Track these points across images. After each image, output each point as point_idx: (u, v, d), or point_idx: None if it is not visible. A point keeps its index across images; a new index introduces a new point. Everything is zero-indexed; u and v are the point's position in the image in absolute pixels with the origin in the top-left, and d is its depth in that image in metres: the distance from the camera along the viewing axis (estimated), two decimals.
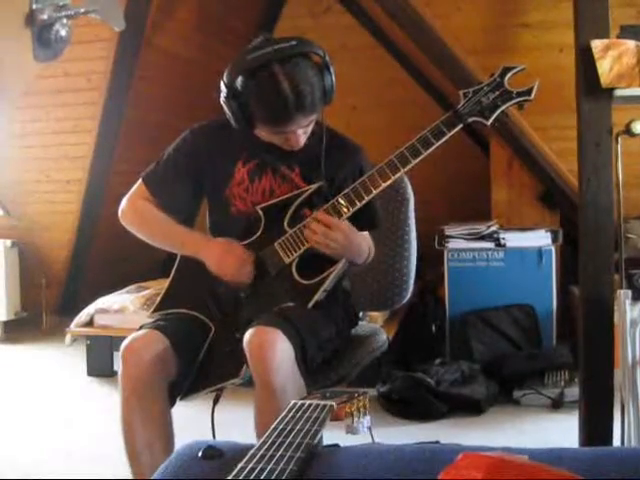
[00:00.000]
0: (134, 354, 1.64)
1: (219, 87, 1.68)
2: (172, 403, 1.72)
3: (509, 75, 1.63)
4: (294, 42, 1.63)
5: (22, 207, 5.01)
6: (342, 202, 1.67)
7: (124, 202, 1.89)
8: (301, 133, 1.70)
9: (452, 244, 3.74)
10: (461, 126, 1.63)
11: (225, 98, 1.66)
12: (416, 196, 2.13)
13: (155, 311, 1.86)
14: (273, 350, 1.53)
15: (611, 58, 2.06)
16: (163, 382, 1.68)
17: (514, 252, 3.69)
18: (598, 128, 2.12)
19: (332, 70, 1.66)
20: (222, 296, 1.78)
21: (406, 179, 2.09)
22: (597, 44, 2.08)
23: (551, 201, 4.20)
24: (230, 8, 4.96)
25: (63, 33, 1.11)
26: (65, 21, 1.12)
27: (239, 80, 1.63)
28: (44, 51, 1.11)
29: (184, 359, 1.70)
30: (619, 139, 2.19)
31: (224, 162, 1.83)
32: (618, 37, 2.18)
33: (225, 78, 1.65)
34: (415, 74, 5.15)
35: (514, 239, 3.71)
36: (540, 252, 3.67)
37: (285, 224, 1.75)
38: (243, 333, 1.60)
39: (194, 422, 1.87)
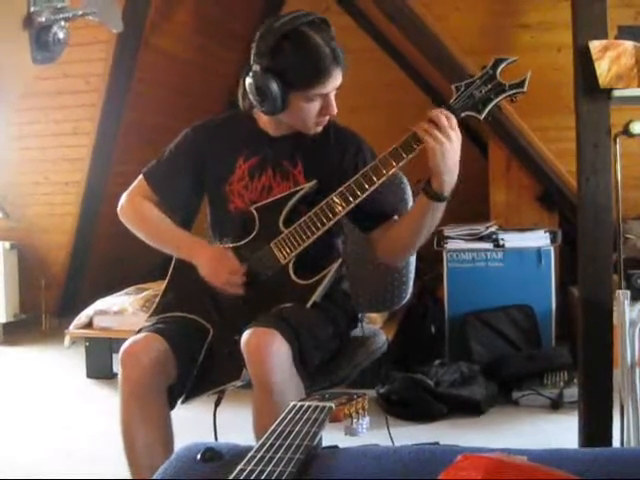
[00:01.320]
0: (133, 358, 1.64)
1: (246, 70, 1.67)
2: (172, 406, 1.72)
3: (501, 67, 1.61)
4: (304, 12, 1.65)
5: (21, 209, 5.00)
6: (337, 200, 1.67)
7: (123, 198, 1.88)
8: (333, 97, 1.70)
9: (451, 245, 3.74)
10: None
11: (257, 76, 1.64)
12: (415, 197, 2.13)
13: (152, 315, 1.85)
14: (270, 351, 1.52)
15: (609, 59, 2.06)
16: (162, 385, 1.67)
17: (513, 253, 3.69)
18: (597, 129, 2.13)
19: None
20: (220, 298, 1.77)
21: (405, 180, 2.09)
22: (595, 45, 2.08)
23: (550, 202, 4.20)
24: (228, 10, 4.96)
25: (61, 35, 1.11)
26: (63, 23, 1.11)
27: (271, 50, 1.62)
28: (42, 53, 1.11)
29: (183, 362, 1.69)
30: (617, 140, 2.19)
31: (225, 158, 1.82)
32: (616, 38, 2.18)
33: (254, 54, 1.65)
34: (413, 75, 5.16)
35: (513, 240, 3.71)
36: (539, 253, 3.67)
37: (280, 224, 1.74)
38: (242, 335, 1.59)
39: (194, 424, 1.87)
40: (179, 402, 1.73)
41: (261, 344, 1.54)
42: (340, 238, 1.92)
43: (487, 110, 1.61)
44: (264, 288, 1.74)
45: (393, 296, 2.11)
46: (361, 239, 2.03)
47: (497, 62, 1.61)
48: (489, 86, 1.60)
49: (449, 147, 1.56)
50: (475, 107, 1.61)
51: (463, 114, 1.62)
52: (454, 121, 1.58)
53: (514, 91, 1.61)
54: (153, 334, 1.70)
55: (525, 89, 1.60)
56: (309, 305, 1.70)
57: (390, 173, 1.64)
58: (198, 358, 1.72)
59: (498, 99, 1.61)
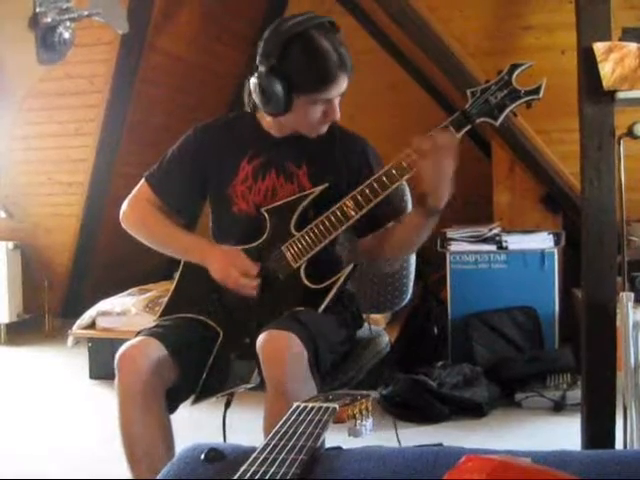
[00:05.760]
0: (129, 362, 1.61)
1: (251, 70, 1.65)
2: (172, 409, 1.69)
3: (517, 73, 1.59)
4: (313, 14, 1.64)
5: (24, 209, 5.01)
6: (349, 204, 1.65)
7: (125, 204, 1.85)
8: (337, 103, 1.69)
9: (454, 247, 3.74)
10: (470, 127, 1.61)
11: (262, 77, 1.61)
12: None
13: (161, 316, 1.82)
14: (287, 354, 1.51)
15: (613, 61, 2.06)
16: (159, 389, 1.64)
17: (516, 255, 3.69)
18: (600, 131, 2.12)
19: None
20: (230, 300, 1.75)
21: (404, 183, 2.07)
22: (599, 47, 2.08)
23: (553, 204, 4.20)
24: (232, 11, 4.97)
25: (66, 36, 1.11)
26: (68, 24, 1.11)
27: (277, 52, 1.60)
28: (48, 54, 1.11)
29: (183, 365, 1.67)
30: (621, 142, 2.19)
31: (228, 159, 1.80)
32: (620, 40, 2.18)
33: (261, 55, 1.63)
34: (417, 77, 5.16)
35: (516, 242, 3.71)
36: (542, 255, 3.67)
37: (292, 227, 1.72)
38: (252, 338, 1.58)
39: (201, 426, 1.87)
40: (189, 403, 1.70)
41: (278, 347, 1.52)
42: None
43: (502, 116, 1.60)
44: (275, 291, 1.73)
45: (393, 297, 2.10)
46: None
47: (513, 68, 1.59)
48: (504, 92, 1.58)
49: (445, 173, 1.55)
50: (491, 113, 1.60)
51: (479, 120, 1.60)
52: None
53: (530, 97, 1.59)
54: (149, 338, 1.66)
55: (541, 95, 1.58)
56: (321, 310, 1.68)
57: (405, 178, 1.63)
58: (201, 361, 1.70)
59: (513, 105, 1.59)
